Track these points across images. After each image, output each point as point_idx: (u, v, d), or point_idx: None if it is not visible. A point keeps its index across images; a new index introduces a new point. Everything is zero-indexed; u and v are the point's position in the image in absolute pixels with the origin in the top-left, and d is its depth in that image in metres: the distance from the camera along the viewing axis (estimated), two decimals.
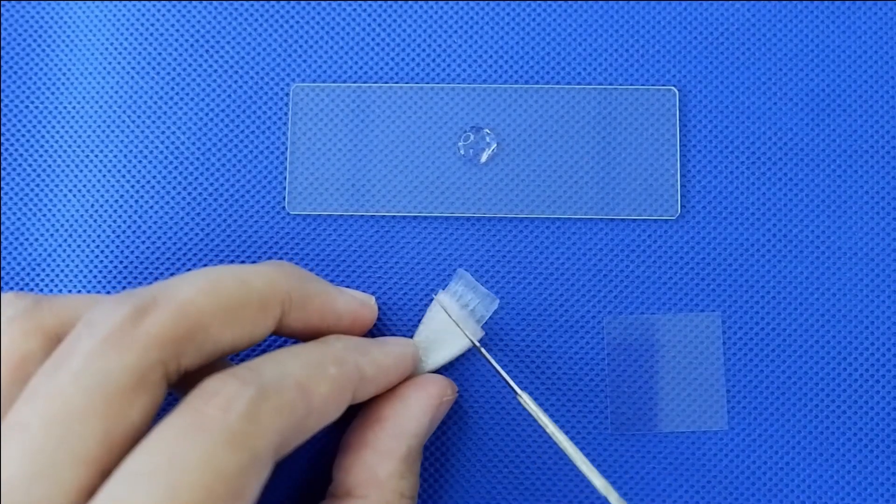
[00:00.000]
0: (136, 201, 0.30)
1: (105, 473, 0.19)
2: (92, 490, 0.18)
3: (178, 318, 0.20)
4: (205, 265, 0.30)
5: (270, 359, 0.22)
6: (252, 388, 0.20)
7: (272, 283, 0.23)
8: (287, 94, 0.30)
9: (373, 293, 0.29)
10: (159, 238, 0.30)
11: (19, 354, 0.21)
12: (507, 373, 0.29)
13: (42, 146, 0.30)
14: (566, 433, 0.29)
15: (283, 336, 0.25)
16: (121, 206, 0.30)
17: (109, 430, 0.19)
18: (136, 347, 0.19)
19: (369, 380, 0.24)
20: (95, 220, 0.30)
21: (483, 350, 0.27)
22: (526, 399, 0.26)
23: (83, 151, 0.30)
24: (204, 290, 0.21)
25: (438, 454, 0.29)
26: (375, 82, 0.30)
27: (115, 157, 0.30)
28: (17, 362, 0.21)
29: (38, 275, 0.30)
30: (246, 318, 0.22)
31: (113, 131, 0.30)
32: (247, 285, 0.22)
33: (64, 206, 0.30)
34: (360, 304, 0.26)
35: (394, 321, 0.29)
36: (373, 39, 0.31)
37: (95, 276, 0.29)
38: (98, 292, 0.29)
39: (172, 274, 0.29)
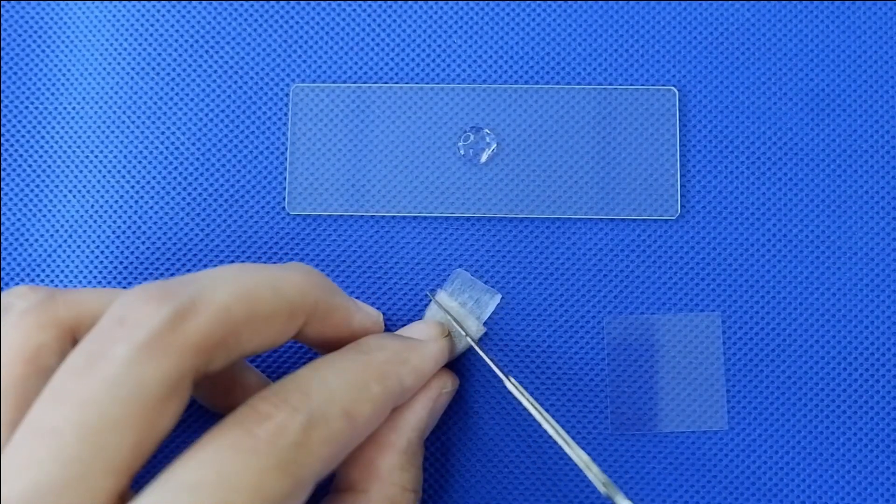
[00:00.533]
0: (136, 201, 0.30)
1: (132, 478, 0.19)
2: (121, 494, 0.18)
3: (215, 325, 0.20)
4: (205, 265, 0.30)
5: (316, 377, 0.22)
6: (302, 415, 0.20)
7: (303, 293, 0.22)
8: (287, 94, 0.30)
9: (373, 293, 0.29)
10: (159, 238, 0.30)
11: (34, 346, 0.21)
12: (508, 372, 0.29)
13: (42, 146, 0.30)
14: (567, 433, 0.29)
15: (295, 341, 0.25)
16: (121, 206, 0.30)
17: (141, 438, 0.19)
18: (174, 355, 0.19)
19: (409, 389, 0.24)
20: (95, 220, 0.30)
21: (474, 343, 0.27)
22: (512, 384, 0.26)
23: (83, 151, 0.30)
24: (241, 298, 0.21)
25: (439, 453, 0.29)
26: (375, 82, 0.30)
27: (115, 157, 0.30)
28: (31, 354, 0.21)
29: (38, 275, 0.30)
30: (274, 326, 0.22)
31: (113, 131, 0.30)
32: (280, 295, 0.22)
33: (64, 206, 0.30)
34: (372, 323, 0.26)
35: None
36: (373, 39, 0.31)
37: (95, 277, 0.29)
38: None
39: (172, 274, 0.30)
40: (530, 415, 0.28)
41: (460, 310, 0.28)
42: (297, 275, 0.23)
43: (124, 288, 0.29)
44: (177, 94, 0.30)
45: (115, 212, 0.30)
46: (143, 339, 0.19)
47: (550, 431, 0.25)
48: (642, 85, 0.30)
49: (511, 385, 0.26)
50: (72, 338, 0.22)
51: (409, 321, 0.29)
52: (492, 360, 0.27)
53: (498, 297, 0.28)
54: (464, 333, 0.27)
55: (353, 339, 0.25)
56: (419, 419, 0.25)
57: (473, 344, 0.27)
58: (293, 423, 0.20)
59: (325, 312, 0.23)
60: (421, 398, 0.25)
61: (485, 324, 0.29)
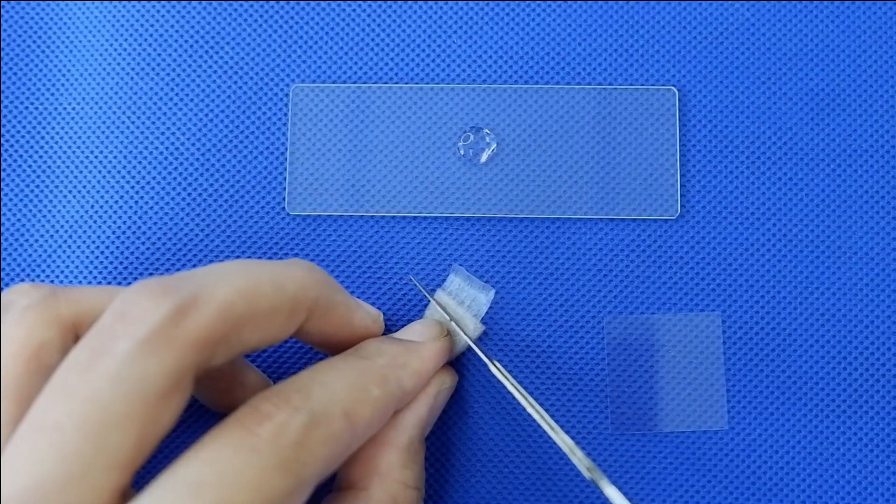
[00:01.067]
0: (136, 201, 0.30)
1: (134, 474, 0.19)
2: (122, 491, 0.18)
3: (217, 320, 0.20)
4: (204, 265, 0.29)
5: (317, 379, 0.22)
6: (303, 415, 0.20)
7: (305, 289, 0.22)
8: (287, 94, 0.30)
9: (373, 293, 0.29)
10: (159, 238, 0.30)
11: (36, 343, 0.21)
12: (508, 372, 0.29)
13: (42, 146, 0.30)
14: (567, 433, 0.29)
15: (294, 338, 0.25)
16: (121, 207, 0.30)
17: (144, 434, 0.19)
18: (176, 350, 0.19)
19: (410, 392, 0.25)
20: (95, 220, 0.30)
21: (473, 344, 0.27)
22: (497, 369, 0.26)
23: (83, 151, 0.30)
24: (242, 294, 0.21)
25: (438, 452, 0.29)
26: (375, 82, 0.30)
27: (115, 157, 0.30)
28: (33, 351, 0.21)
29: (38, 275, 0.30)
30: (276, 322, 0.22)
31: (113, 131, 0.30)
32: (282, 291, 0.22)
33: (64, 206, 0.30)
34: (372, 321, 0.26)
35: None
36: (373, 39, 0.31)
37: (95, 277, 0.29)
38: None
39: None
40: (528, 413, 0.28)
41: (459, 309, 0.28)
42: (299, 271, 0.23)
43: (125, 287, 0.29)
44: (177, 94, 0.30)
45: (115, 212, 0.30)
46: (144, 335, 0.19)
47: (535, 416, 0.25)
48: (642, 85, 0.30)
49: (496, 369, 0.26)
50: (73, 335, 0.22)
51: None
52: (480, 348, 0.27)
53: (492, 293, 0.28)
54: (461, 333, 0.27)
55: (353, 337, 0.25)
56: (419, 417, 0.25)
57: (471, 343, 0.27)
58: (294, 423, 0.20)
59: (325, 309, 0.24)
60: (421, 396, 0.26)
61: (483, 322, 0.29)
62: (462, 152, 0.30)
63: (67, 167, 0.30)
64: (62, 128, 0.30)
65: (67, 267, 0.30)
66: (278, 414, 0.20)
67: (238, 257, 0.30)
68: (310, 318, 0.23)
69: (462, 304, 0.28)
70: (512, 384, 0.26)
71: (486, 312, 0.29)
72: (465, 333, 0.27)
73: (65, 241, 0.30)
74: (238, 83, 0.30)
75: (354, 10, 0.31)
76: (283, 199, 0.30)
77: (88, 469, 0.18)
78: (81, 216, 0.30)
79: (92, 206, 0.30)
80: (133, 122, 0.30)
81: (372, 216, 0.30)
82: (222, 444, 0.19)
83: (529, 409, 0.25)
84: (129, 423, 0.18)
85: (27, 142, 0.30)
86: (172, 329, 0.19)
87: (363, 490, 0.24)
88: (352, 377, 0.22)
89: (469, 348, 0.28)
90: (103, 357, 0.19)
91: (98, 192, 0.30)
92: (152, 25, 0.31)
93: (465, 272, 0.28)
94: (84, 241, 0.30)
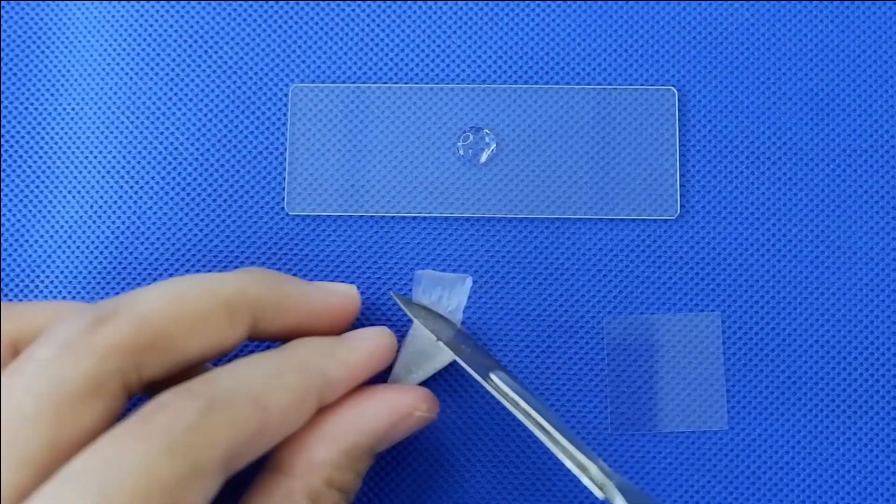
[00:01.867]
0: (136, 201, 0.30)
1: (48, 475, 0.19)
2: (30, 491, 0.19)
3: (138, 327, 0.20)
4: (204, 266, 0.30)
5: (227, 370, 0.22)
6: (201, 400, 0.20)
7: (241, 290, 0.22)
8: (286, 94, 0.30)
9: (372, 293, 0.29)
10: (158, 239, 0.30)
11: None
12: (507, 373, 0.29)
13: (42, 146, 0.30)
14: (554, 428, 0.28)
15: (263, 341, 0.25)
16: (120, 207, 0.30)
17: (57, 434, 0.19)
18: (92, 355, 0.20)
19: (337, 382, 0.23)
20: (95, 221, 0.30)
21: (465, 364, 0.26)
22: (492, 387, 0.25)
23: (83, 151, 0.30)
24: (167, 299, 0.21)
25: (438, 454, 0.29)
26: (375, 82, 0.30)
27: (115, 157, 0.30)
28: None
29: (37, 276, 0.30)
30: (212, 327, 0.22)
31: (112, 132, 0.30)
32: (213, 294, 0.22)
33: (64, 206, 0.30)
34: (339, 299, 0.26)
35: (393, 321, 0.29)
36: (372, 39, 0.31)
37: (95, 278, 0.29)
38: (98, 293, 0.29)
39: (172, 275, 0.29)
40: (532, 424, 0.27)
41: (434, 310, 0.27)
42: (235, 274, 0.23)
43: (123, 290, 0.29)
44: (176, 94, 0.30)
45: (114, 212, 0.30)
46: (62, 341, 0.20)
47: (542, 438, 0.24)
48: (642, 85, 0.30)
49: (490, 387, 0.25)
50: (14, 350, 0.22)
51: (409, 322, 0.29)
52: (471, 365, 0.25)
53: (469, 280, 0.27)
54: (450, 350, 0.26)
55: (319, 321, 0.25)
56: (374, 428, 0.24)
57: (463, 364, 0.26)
58: (189, 407, 0.20)
59: (275, 305, 0.23)
60: (385, 408, 0.24)
61: (483, 322, 0.29)
62: (462, 152, 0.30)
63: (67, 167, 0.30)
64: (62, 128, 0.30)
65: (67, 267, 0.30)
66: (175, 402, 0.20)
67: (237, 258, 0.30)
68: (261, 317, 0.23)
69: (435, 304, 0.27)
70: (509, 399, 0.24)
71: (476, 305, 0.29)
72: (451, 339, 0.26)
73: (65, 242, 0.30)
74: (238, 83, 0.30)
75: (354, 10, 0.31)
76: (283, 199, 0.30)
77: None
78: (81, 216, 0.30)
79: (91, 206, 0.30)
80: (133, 122, 0.30)
81: (372, 216, 0.30)
82: (115, 434, 0.19)
83: (534, 431, 0.24)
84: (39, 421, 0.19)
85: (27, 142, 0.30)
86: (89, 335, 0.20)
87: (286, 475, 0.23)
88: (264, 365, 0.22)
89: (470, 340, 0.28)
90: (26, 362, 0.20)
91: (98, 192, 0.30)
92: (152, 25, 0.31)
93: (431, 273, 0.27)
94: (84, 241, 0.30)
